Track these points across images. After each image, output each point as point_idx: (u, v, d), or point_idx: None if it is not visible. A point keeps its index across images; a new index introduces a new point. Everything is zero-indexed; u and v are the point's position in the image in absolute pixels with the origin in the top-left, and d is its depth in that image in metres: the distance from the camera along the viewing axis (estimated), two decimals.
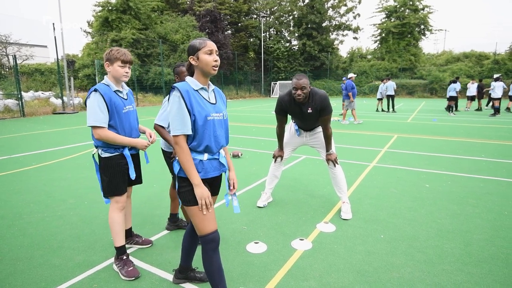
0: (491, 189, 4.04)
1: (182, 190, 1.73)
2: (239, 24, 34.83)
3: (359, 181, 4.39)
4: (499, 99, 13.21)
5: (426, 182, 4.32)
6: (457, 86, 13.72)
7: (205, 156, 1.74)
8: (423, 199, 3.71)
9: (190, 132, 1.67)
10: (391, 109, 14.55)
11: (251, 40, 35.56)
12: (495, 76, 14.11)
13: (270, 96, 32.60)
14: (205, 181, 1.76)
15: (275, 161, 3.48)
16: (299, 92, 2.86)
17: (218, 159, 1.81)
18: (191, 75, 1.81)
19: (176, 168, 1.74)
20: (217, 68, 1.72)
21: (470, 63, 29.31)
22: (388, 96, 14.45)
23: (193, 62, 1.73)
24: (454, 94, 13.65)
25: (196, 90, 1.72)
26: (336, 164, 3.22)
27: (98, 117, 2.11)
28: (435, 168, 5.02)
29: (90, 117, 2.12)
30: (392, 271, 2.29)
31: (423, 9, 31.21)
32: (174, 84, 1.70)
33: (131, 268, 2.24)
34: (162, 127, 2.59)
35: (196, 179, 1.67)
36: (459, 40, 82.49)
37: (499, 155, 5.88)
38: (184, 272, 2.14)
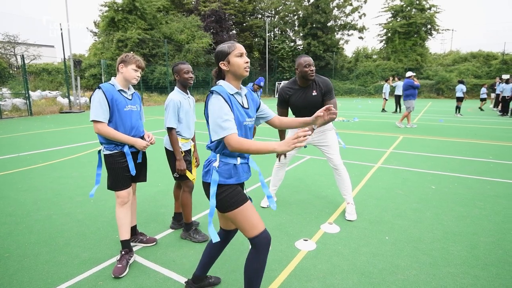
0: (499, 191, 3.99)
1: (221, 197, 1.67)
2: (244, 24, 34.86)
3: (364, 182, 4.37)
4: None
5: (432, 184, 4.29)
6: (464, 87, 13.58)
7: (238, 160, 1.72)
8: (429, 200, 3.68)
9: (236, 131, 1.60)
10: (398, 110, 14.49)
11: (256, 40, 35.56)
12: (504, 77, 13.92)
13: (274, 96, 32.56)
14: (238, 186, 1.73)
15: (279, 160, 3.47)
16: (311, 68, 2.96)
17: (248, 163, 1.80)
18: (221, 79, 1.75)
19: (214, 179, 1.66)
20: (249, 69, 1.70)
21: (477, 63, 28.99)
22: (396, 96, 14.36)
23: (224, 67, 1.69)
24: (461, 95, 13.51)
25: (232, 95, 1.69)
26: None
27: (98, 112, 2.23)
28: (441, 170, 4.98)
29: (91, 113, 2.26)
30: (397, 273, 2.28)
31: (429, 8, 30.94)
32: (213, 88, 1.66)
33: (120, 265, 2.27)
34: (173, 128, 2.61)
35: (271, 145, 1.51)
36: (467, 40, 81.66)
37: (508, 157, 5.81)
38: (198, 282, 2.07)
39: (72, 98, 16.28)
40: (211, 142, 1.71)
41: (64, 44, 16.09)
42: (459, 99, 13.52)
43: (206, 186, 1.73)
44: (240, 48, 1.68)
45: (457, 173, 4.81)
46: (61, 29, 15.37)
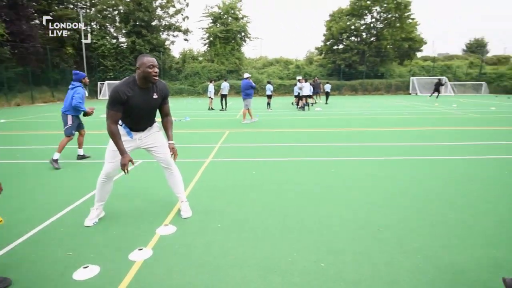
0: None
1: None
2: (51, 14, 28.94)
3: (197, 177, 4.57)
4: (309, 96, 16.22)
5: (252, 170, 4.98)
6: (271, 86, 16.46)
7: None
8: (253, 186, 4.26)
9: None
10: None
11: (68, 33, 30.32)
12: (298, 77, 17.58)
13: (97, 98, 29.06)
14: None
15: (128, 172, 2.91)
16: (155, 69, 2.81)
17: None
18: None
19: None
20: None
21: (280, 67, 35.80)
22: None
23: None
24: (269, 93, 16.35)
25: None
26: (175, 156, 3.16)
27: None
28: (263, 157, 5.86)
29: None
30: (230, 254, 2.52)
31: (242, 18, 35.43)
32: None
33: None
34: None
35: None
36: (272, 47, 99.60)
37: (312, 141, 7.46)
38: None
39: None
40: None
41: None
42: (269, 97, 16.39)
43: None
44: None
45: (273, 158, 5.78)
46: None
